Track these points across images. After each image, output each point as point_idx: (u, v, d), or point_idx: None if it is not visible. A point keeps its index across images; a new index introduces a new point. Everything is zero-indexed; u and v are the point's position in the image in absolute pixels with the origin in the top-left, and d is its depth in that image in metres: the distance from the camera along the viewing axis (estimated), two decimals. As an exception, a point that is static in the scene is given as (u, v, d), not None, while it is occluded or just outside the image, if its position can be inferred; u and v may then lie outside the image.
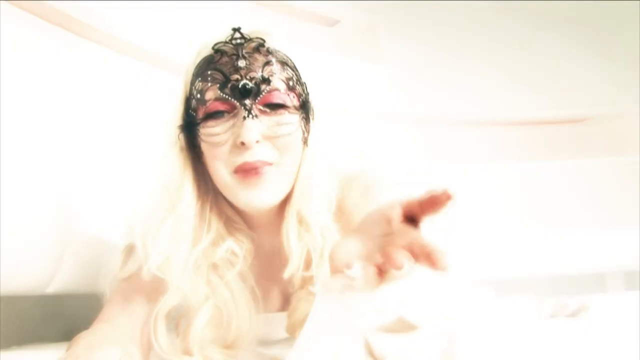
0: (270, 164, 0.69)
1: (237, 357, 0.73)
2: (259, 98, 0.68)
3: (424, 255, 0.40)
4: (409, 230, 0.44)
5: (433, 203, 0.43)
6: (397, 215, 0.45)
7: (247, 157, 0.68)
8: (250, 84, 0.67)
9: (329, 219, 0.73)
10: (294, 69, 0.72)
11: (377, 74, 2.34)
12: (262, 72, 0.68)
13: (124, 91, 1.50)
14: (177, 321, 0.75)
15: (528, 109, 2.47)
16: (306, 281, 0.73)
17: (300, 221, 0.73)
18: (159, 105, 0.85)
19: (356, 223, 0.50)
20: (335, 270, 0.45)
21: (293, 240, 0.72)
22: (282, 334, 0.78)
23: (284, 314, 0.78)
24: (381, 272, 0.42)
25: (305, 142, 0.73)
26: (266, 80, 0.68)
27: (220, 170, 0.70)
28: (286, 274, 0.72)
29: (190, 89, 0.70)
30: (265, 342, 0.79)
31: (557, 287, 1.77)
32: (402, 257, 0.39)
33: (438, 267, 0.39)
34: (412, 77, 2.38)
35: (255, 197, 0.70)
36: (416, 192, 0.45)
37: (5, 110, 1.04)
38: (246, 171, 0.68)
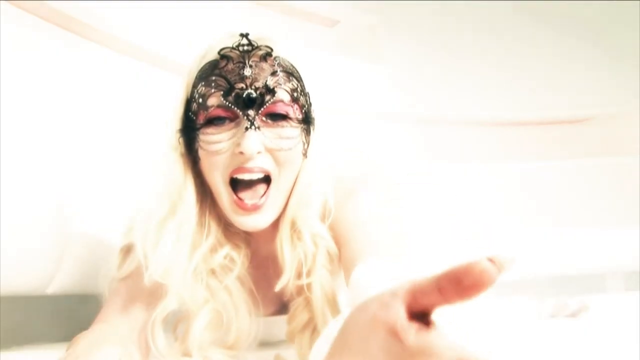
0: (268, 171, 0.68)
1: (237, 358, 0.73)
2: (262, 109, 0.66)
3: None
4: (434, 345, 0.28)
5: (470, 286, 0.26)
6: (404, 327, 0.29)
7: (246, 164, 0.67)
8: (255, 94, 0.65)
9: (323, 227, 0.72)
10: (299, 79, 0.70)
11: (377, 74, 2.34)
12: (267, 82, 0.66)
13: (124, 91, 1.50)
14: (175, 324, 0.75)
15: (528, 109, 2.47)
16: (303, 288, 0.73)
17: (294, 230, 0.73)
18: (159, 105, 0.84)
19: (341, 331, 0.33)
20: None
21: (286, 250, 0.72)
22: (281, 337, 0.78)
23: (283, 318, 0.78)
24: None
25: (305, 154, 0.72)
26: (271, 91, 0.66)
27: (217, 179, 0.69)
28: (277, 287, 0.72)
29: (192, 92, 0.69)
30: (264, 344, 0.79)
31: (557, 287, 1.77)
32: None
33: None
34: (412, 77, 2.38)
35: (251, 222, 0.70)
36: (422, 270, 0.30)
37: (5, 110, 1.04)
38: (244, 207, 0.68)
